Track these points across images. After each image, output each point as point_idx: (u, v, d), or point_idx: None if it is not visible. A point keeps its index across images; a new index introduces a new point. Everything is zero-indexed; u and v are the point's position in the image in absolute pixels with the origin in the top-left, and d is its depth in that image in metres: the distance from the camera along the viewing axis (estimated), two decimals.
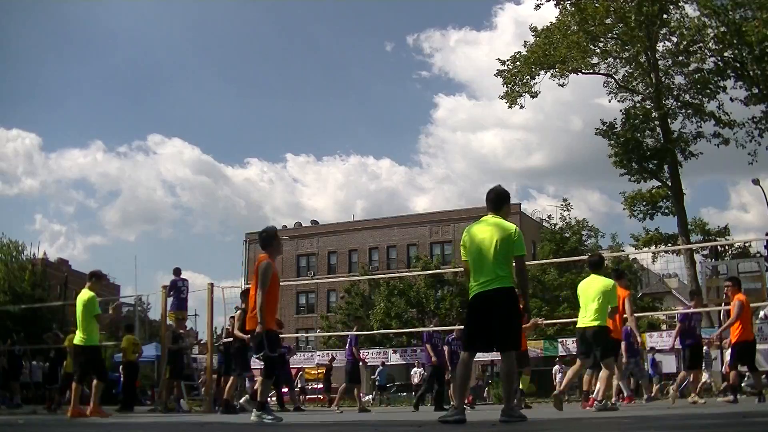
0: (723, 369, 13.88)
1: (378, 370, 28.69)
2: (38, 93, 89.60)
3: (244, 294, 10.46)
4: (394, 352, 27.80)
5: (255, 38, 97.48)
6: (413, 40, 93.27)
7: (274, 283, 7.34)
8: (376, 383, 29.34)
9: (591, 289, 8.64)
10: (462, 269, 6.08)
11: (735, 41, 24.57)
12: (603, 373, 8.52)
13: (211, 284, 14.03)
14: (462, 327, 16.51)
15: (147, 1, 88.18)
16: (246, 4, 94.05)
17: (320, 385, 35.12)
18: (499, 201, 6.04)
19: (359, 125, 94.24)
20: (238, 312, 11.60)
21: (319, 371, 33.44)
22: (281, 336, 10.19)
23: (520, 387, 11.09)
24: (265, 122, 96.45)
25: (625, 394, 10.03)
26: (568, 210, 38.08)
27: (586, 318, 8.57)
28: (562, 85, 27.81)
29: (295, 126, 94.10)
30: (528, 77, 27.45)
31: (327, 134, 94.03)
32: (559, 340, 26.45)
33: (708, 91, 26.12)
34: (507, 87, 27.70)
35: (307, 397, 29.55)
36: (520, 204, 52.57)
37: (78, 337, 9.61)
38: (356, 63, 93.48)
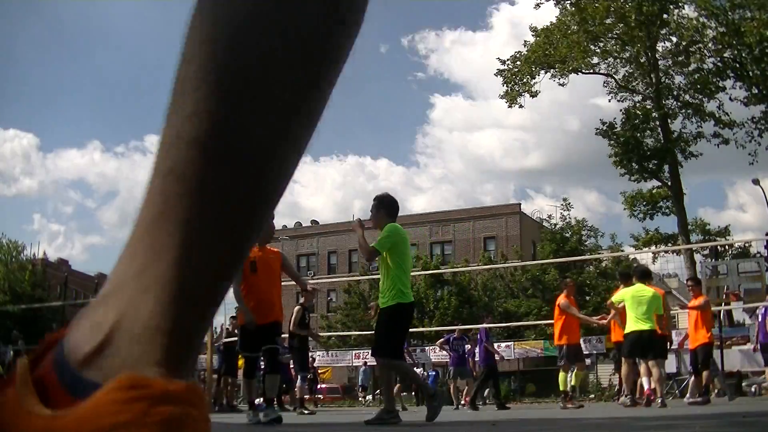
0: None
1: (361, 370, 28.84)
2: (35, 93, 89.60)
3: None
4: None
5: None
6: (408, 42, 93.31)
7: (246, 270, 6.62)
8: (359, 384, 29.42)
9: (642, 297, 9.34)
10: (369, 254, 6.10)
11: (734, 42, 24.56)
12: (656, 373, 9.19)
13: None
14: (459, 327, 16.58)
15: (144, 1, 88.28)
16: None
17: (321, 385, 35.15)
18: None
19: (355, 126, 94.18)
20: (298, 308, 11.66)
21: (319, 371, 33.44)
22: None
23: (572, 383, 11.05)
24: None
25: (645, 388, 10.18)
26: (568, 210, 38.03)
27: (640, 324, 9.24)
28: (563, 85, 27.82)
29: None
30: (528, 77, 27.45)
31: (323, 135, 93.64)
32: None
33: (708, 91, 26.11)
34: (507, 87, 27.70)
35: (306, 396, 29.52)
36: (519, 204, 52.61)
37: None
38: (350, 64, 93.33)
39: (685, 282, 34.94)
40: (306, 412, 11.43)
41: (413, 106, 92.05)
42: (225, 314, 15.78)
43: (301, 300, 10.60)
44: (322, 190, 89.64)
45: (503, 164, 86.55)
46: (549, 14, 60.69)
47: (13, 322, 29.96)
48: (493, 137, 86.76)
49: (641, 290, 9.38)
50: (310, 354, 29.53)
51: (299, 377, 12.37)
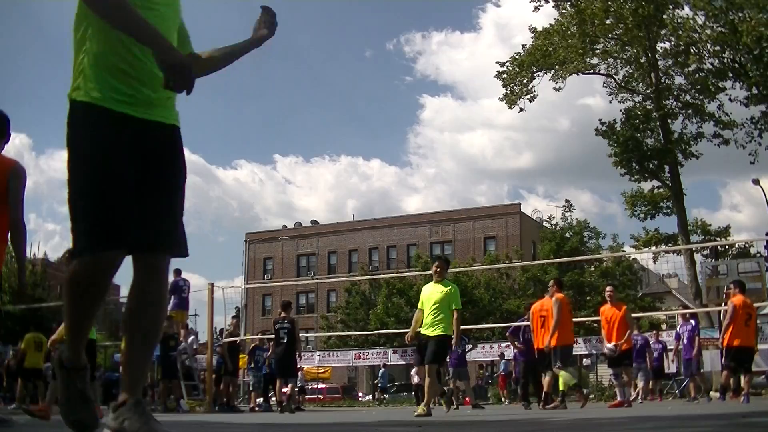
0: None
1: (380, 372, 29.00)
2: (27, 94, 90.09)
3: None
4: (394, 352, 27.72)
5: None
6: (393, 45, 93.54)
7: None
8: (379, 385, 29.58)
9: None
10: None
11: (734, 42, 24.55)
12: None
13: (212, 284, 14.07)
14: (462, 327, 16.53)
15: None
16: (232, 8, 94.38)
17: (321, 385, 35.18)
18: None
19: (347, 127, 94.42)
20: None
21: (320, 371, 33.46)
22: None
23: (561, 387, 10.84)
24: (253, 125, 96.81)
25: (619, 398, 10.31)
26: (570, 211, 38.06)
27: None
28: (559, 89, 27.73)
29: (284, 128, 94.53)
30: (527, 79, 27.43)
31: (314, 136, 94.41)
32: None
33: (708, 91, 26.09)
34: (507, 89, 27.67)
35: (307, 396, 29.58)
36: (519, 204, 52.64)
37: None
38: (340, 67, 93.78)
39: (685, 282, 34.99)
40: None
41: (404, 107, 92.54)
42: (225, 314, 15.80)
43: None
44: (315, 190, 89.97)
45: (495, 164, 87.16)
46: (543, 15, 60.99)
47: (13, 322, 30.00)
48: (484, 137, 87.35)
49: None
50: (311, 355, 29.51)
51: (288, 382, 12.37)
